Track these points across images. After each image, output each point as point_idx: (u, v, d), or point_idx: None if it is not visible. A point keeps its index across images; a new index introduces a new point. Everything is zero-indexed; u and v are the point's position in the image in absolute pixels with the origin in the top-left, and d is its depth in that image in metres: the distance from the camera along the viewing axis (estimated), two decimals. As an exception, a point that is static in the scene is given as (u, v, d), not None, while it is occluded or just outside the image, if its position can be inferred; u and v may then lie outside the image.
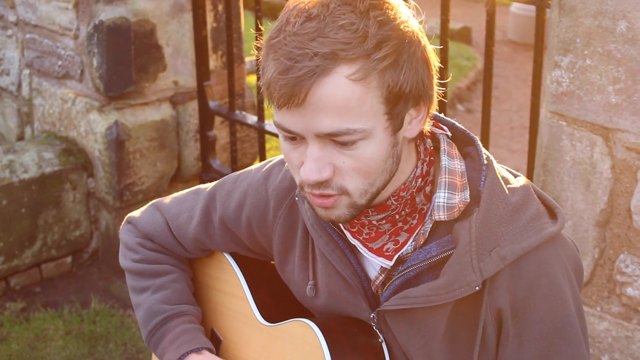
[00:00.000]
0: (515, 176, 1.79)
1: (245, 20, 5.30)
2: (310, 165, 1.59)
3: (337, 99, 1.53)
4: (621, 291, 2.87)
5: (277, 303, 2.04)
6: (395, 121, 1.61)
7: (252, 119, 4.55)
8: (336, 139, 1.57)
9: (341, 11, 1.53)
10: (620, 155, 2.76)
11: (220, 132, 4.96)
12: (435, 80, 1.66)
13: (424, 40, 1.63)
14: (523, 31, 9.24)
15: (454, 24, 9.30)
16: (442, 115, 1.81)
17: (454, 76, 8.10)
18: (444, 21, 3.52)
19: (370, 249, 1.78)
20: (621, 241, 2.83)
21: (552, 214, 1.75)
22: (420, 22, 1.65)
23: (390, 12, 1.57)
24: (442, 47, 3.55)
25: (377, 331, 1.83)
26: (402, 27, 1.57)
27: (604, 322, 2.93)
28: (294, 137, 1.61)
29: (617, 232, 2.83)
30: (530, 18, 8.18)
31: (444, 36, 3.56)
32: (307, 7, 1.56)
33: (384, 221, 1.74)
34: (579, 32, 2.74)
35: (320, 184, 1.61)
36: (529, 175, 3.28)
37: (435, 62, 1.65)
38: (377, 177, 1.63)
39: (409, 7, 1.65)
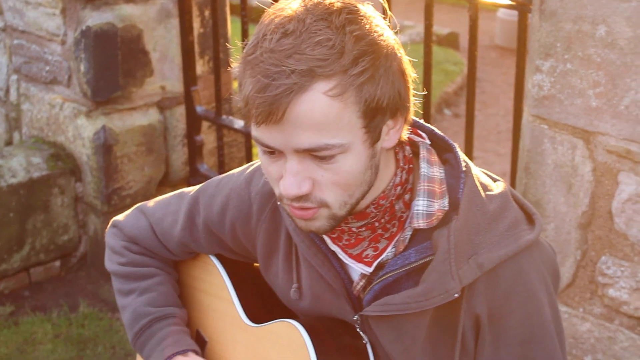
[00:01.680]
0: (495, 181, 1.80)
1: (232, 25, 5.31)
2: (289, 180, 1.59)
3: (315, 115, 1.52)
4: (603, 292, 2.88)
5: (262, 304, 2.04)
6: (373, 134, 1.60)
7: (239, 123, 4.56)
8: (315, 154, 1.56)
9: (317, 27, 1.52)
10: (601, 158, 2.77)
11: (207, 137, 4.95)
12: (412, 91, 1.66)
13: (400, 52, 1.62)
14: (510, 36, 9.25)
15: (442, 30, 9.33)
16: (421, 121, 1.81)
17: (442, 81, 8.11)
18: (428, 26, 3.53)
19: (350, 255, 1.79)
20: (603, 243, 2.84)
21: (530, 219, 1.75)
22: (396, 33, 1.64)
23: (366, 26, 1.56)
24: (426, 52, 3.57)
25: (361, 333, 1.84)
26: (378, 40, 1.56)
27: (587, 324, 2.94)
28: (273, 152, 1.60)
29: (599, 234, 2.84)
30: (516, 23, 8.20)
31: (428, 41, 3.57)
32: (283, 23, 1.54)
33: (363, 228, 1.74)
34: (560, 36, 2.75)
35: (300, 198, 1.60)
36: (512, 179, 3.29)
37: (411, 72, 1.65)
38: (356, 189, 1.63)
39: (385, 18, 1.64)
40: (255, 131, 1.59)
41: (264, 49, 1.53)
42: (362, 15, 1.57)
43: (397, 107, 1.62)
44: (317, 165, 1.58)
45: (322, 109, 1.52)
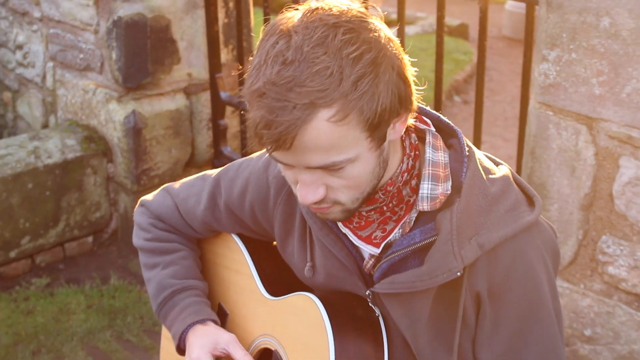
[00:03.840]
0: (498, 164, 1.78)
1: (255, 16, 5.30)
2: (304, 190, 1.59)
3: (320, 140, 1.50)
4: (603, 270, 2.87)
5: (280, 279, 2.04)
6: (378, 139, 1.58)
7: (260, 108, 4.55)
8: (325, 168, 1.56)
9: (315, 54, 1.47)
10: (603, 143, 2.76)
11: (231, 121, 4.96)
12: (413, 86, 1.61)
13: (399, 57, 1.57)
14: (517, 28, 9.22)
15: (453, 21, 9.29)
16: (427, 108, 1.79)
17: (452, 69, 8.08)
18: (440, 18, 3.51)
19: (359, 237, 1.79)
20: (603, 223, 2.83)
21: (531, 201, 1.74)
22: (398, 28, 1.61)
23: (363, 44, 1.49)
24: (437, 42, 3.55)
25: (373, 306, 1.83)
26: (377, 57, 1.51)
27: (587, 299, 2.93)
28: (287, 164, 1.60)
29: (600, 215, 2.83)
30: (523, 15, 8.15)
31: (440, 32, 3.56)
32: (282, 51, 1.49)
33: (372, 212, 1.73)
34: (565, 27, 2.74)
35: (316, 202, 1.62)
36: (518, 163, 3.28)
37: (411, 70, 1.59)
38: (367, 186, 1.63)
39: (380, 18, 1.58)
40: (267, 151, 1.57)
41: (265, 80, 1.48)
42: (357, 30, 1.51)
43: (398, 109, 1.58)
44: (328, 174, 1.58)
45: (327, 134, 1.50)
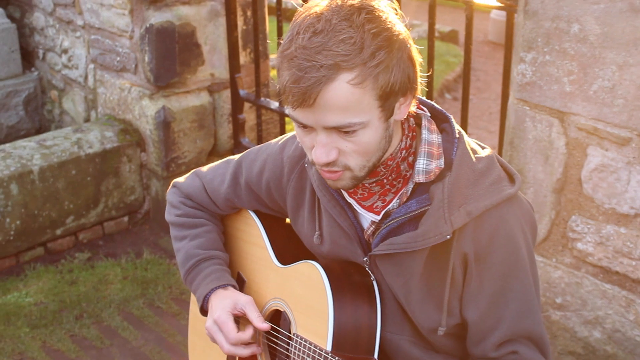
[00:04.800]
0: (483, 148, 1.81)
1: (270, 23, 5.30)
2: (320, 150, 1.61)
3: (340, 100, 1.54)
4: (572, 246, 2.87)
5: (289, 250, 2.06)
6: (387, 111, 1.62)
7: (274, 104, 4.57)
8: (340, 130, 1.59)
9: (341, 26, 1.53)
10: (573, 134, 2.76)
11: (248, 115, 4.97)
12: (419, 73, 1.66)
13: (410, 42, 1.63)
14: (501, 33, 9.16)
15: (444, 27, 9.24)
16: (424, 97, 1.82)
17: (443, 70, 8.05)
18: (431, 24, 3.52)
19: (363, 206, 1.81)
20: (573, 205, 2.83)
21: (511, 178, 1.76)
22: (406, 25, 1.64)
23: (382, 24, 1.56)
24: (429, 45, 3.55)
25: (369, 272, 1.86)
26: (391, 35, 1.57)
27: (558, 271, 2.93)
28: (306, 127, 1.62)
29: (570, 198, 2.83)
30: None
31: (431, 36, 3.56)
32: (313, 22, 1.55)
33: (374, 184, 1.76)
34: (540, 33, 2.74)
35: (328, 164, 1.63)
36: (499, 152, 3.28)
37: (419, 58, 1.65)
38: (373, 155, 1.65)
39: (397, 14, 1.64)
40: (291, 112, 1.60)
41: (297, 45, 1.54)
42: (378, 14, 1.57)
43: (406, 88, 1.63)
44: (342, 137, 1.60)
45: (346, 95, 1.54)
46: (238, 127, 4.82)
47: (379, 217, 1.80)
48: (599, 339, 2.88)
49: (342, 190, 1.82)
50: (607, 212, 2.74)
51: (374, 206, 1.80)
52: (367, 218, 1.83)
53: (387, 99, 1.59)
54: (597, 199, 2.76)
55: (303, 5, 1.64)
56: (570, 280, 2.91)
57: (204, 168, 2.21)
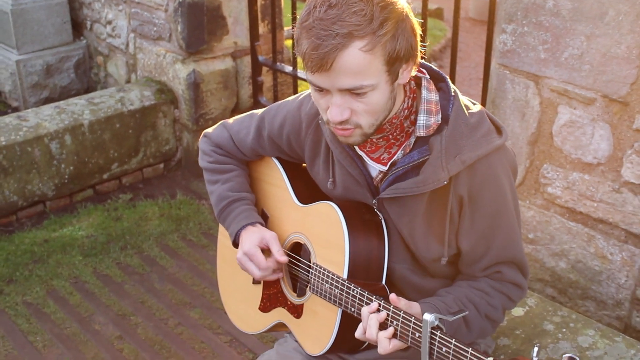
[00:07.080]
0: (474, 104, 1.78)
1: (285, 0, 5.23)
2: (334, 110, 1.59)
3: (353, 65, 1.52)
4: (543, 190, 2.87)
5: (308, 191, 2.04)
6: (393, 75, 1.60)
7: (288, 68, 4.52)
8: (353, 92, 1.56)
9: (354, 1, 1.51)
10: (546, 95, 2.74)
11: (266, 78, 4.93)
12: (419, 43, 1.64)
13: (411, 15, 1.61)
14: (480, 10, 9.06)
15: (431, 5, 9.12)
16: (423, 60, 1.80)
17: (431, 42, 7.97)
18: (424, 2, 3.47)
19: (371, 158, 1.80)
20: (545, 155, 2.83)
21: (499, 131, 1.75)
22: (408, 2, 1.63)
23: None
24: (422, 21, 3.50)
25: (377, 212, 1.85)
26: (397, 8, 1.54)
27: (531, 211, 2.94)
28: (322, 90, 1.60)
29: (542, 149, 2.83)
30: (486, 2, 8.04)
31: (424, 11, 3.51)
32: None
33: (381, 139, 1.74)
34: (520, 7, 2.70)
35: (342, 122, 1.61)
36: (482, 109, 3.26)
37: (419, 30, 1.63)
38: (381, 114, 1.63)
39: None
40: (309, 76, 1.58)
41: (315, 17, 1.51)
42: None
43: (409, 55, 1.60)
44: (354, 99, 1.58)
45: (358, 60, 1.52)
46: (257, 88, 4.78)
47: (385, 167, 1.78)
48: (564, 268, 2.89)
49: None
50: (574, 162, 2.73)
51: (381, 157, 1.78)
52: (375, 168, 1.82)
53: (393, 64, 1.57)
54: (566, 150, 2.75)
55: None
56: (541, 219, 2.91)
57: (230, 120, 2.18)
